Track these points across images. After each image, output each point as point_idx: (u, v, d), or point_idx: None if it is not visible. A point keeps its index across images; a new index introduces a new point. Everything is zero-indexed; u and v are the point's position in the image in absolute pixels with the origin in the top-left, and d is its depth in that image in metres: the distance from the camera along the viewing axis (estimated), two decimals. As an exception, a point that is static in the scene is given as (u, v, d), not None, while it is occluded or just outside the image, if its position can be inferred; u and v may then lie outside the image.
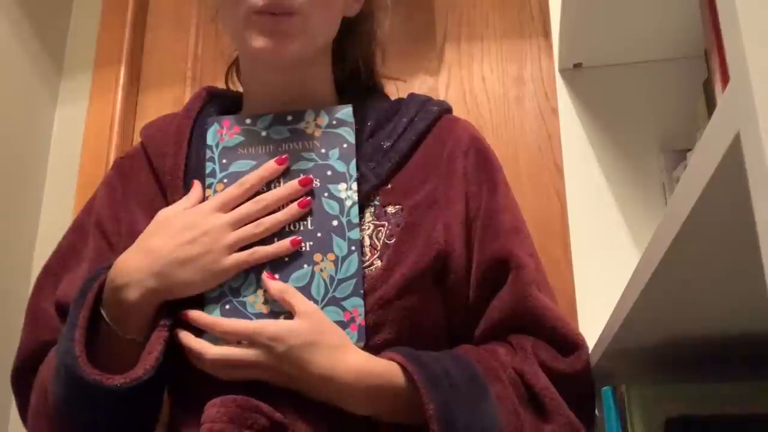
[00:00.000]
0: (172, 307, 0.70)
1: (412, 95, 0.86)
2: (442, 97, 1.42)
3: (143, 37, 1.66)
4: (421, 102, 0.84)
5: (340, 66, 0.87)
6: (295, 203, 0.72)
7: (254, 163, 0.75)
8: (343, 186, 0.73)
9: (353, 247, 0.71)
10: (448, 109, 0.86)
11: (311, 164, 0.75)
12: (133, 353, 0.68)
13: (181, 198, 0.75)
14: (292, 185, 0.73)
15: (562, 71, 1.16)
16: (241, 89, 0.88)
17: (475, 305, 0.75)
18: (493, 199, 0.78)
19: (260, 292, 0.70)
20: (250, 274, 0.71)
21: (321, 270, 0.70)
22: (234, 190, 0.72)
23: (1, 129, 1.43)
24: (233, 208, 0.72)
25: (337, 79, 0.86)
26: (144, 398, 0.68)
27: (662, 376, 0.75)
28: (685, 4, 0.93)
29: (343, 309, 0.69)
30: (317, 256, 0.71)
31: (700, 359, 0.66)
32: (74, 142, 1.57)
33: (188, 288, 0.69)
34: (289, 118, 0.77)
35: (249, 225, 0.71)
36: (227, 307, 0.70)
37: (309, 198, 0.73)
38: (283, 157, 0.74)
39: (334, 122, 0.76)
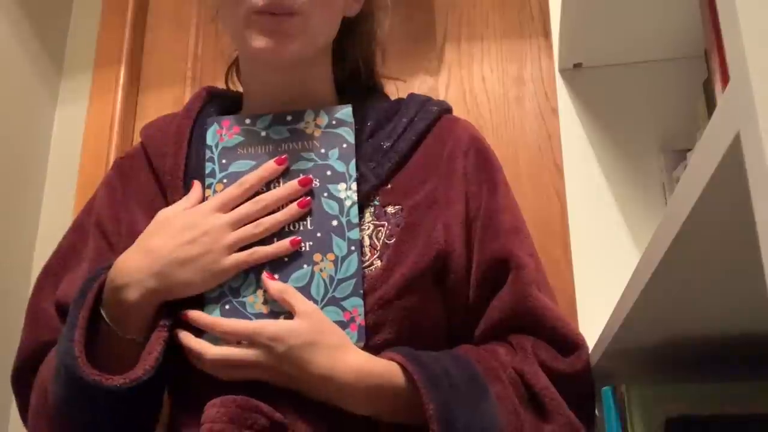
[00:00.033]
0: (172, 307, 0.70)
1: (412, 95, 0.86)
2: (442, 97, 1.43)
3: (143, 37, 1.66)
4: (421, 102, 0.84)
5: (340, 66, 0.87)
6: (295, 203, 0.72)
7: (254, 163, 0.75)
8: (342, 186, 0.73)
9: (353, 247, 0.71)
10: (448, 109, 0.86)
11: (311, 164, 0.75)
12: (132, 353, 0.68)
13: (181, 198, 0.75)
14: (291, 185, 0.73)
15: (562, 71, 1.16)
16: (241, 89, 0.88)
17: (475, 305, 0.75)
18: (493, 199, 0.78)
19: (260, 292, 0.70)
20: (250, 274, 0.71)
21: (321, 270, 0.70)
22: (233, 190, 0.72)
23: (1, 129, 1.43)
24: (233, 209, 0.72)
25: (337, 79, 0.86)
26: (144, 398, 0.68)
27: (662, 376, 0.75)
28: (685, 4, 0.93)
29: (343, 309, 0.69)
30: (317, 256, 0.71)
31: (700, 359, 0.66)
32: (74, 142, 1.57)
33: (188, 288, 0.69)
34: (289, 118, 0.77)
35: (248, 225, 0.71)
36: (227, 307, 0.70)
37: (309, 198, 0.73)
38: (283, 157, 0.74)
39: (334, 122, 0.76)
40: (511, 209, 0.79)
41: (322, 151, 0.75)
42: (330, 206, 0.73)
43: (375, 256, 0.72)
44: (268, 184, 0.74)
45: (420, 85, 1.47)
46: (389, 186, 0.77)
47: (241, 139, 0.77)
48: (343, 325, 0.69)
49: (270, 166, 0.74)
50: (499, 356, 0.71)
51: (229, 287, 0.70)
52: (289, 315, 0.68)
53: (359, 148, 0.77)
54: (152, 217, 0.73)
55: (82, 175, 1.53)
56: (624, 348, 0.64)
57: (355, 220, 0.72)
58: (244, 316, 0.69)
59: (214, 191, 0.75)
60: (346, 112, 0.77)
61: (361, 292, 0.70)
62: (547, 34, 1.44)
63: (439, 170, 0.78)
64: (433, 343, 0.72)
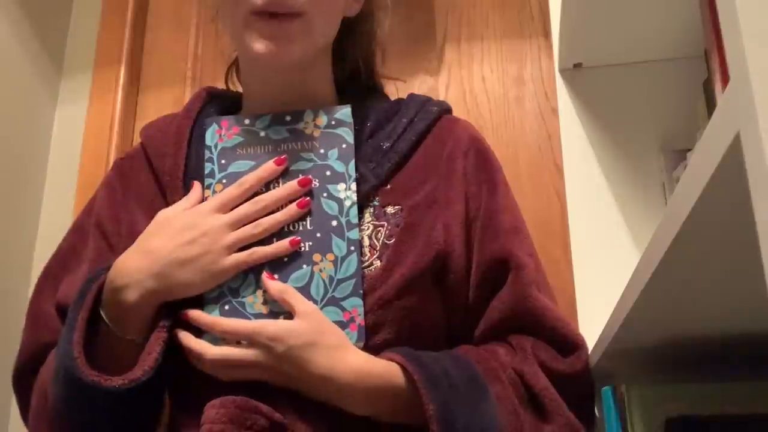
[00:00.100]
0: (172, 308, 0.70)
1: (412, 95, 0.86)
2: (442, 97, 1.43)
3: (143, 37, 1.66)
4: (421, 102, 0.84)
5: (340, 66, 0.87)
6: (294, 204, 0.72)
7: (253, 163, 0.75)
8: (342, 186, 0.73)
9: (352, 248, 0.71)
10: (448, 110, 0.86)
11: (310, 164, 0.75)
12: (132, 354, 0.68)
13: (180, 198, 0.75)
14: (291, 186, 0.73)
15: (562, 71, 1.16)
16: (241, 89, 0.88)
17: (474, 305, 0.75)
18: (493, 200, 0.78)
19: (259, 292, 0.70)
20: (249, 274, 0.71)
21: (320, 270, 0.70)
22: (233, 190, 0.72)
23: (1, 129, 1.43)
24: (232, 209, 0.72)
25: (337, 79, 0.86)
26: (143, 399, 0.68)
27: (662, 376, 0.75)
28: (685, 4, 0.93)
29: (343, 309, 0.69)
30: (316, 257, 0.71)
31: (700, 359, 0.66)
32: (74, 142, 1.57)
33: (188, 289, 0.69)
34: (288, 118, 0.77)
35: (248, 225, 0.71)
36: (227, 307, 0.70)
37: (308, 198, 0.72)
38: (282, 157, 0.74)
39: (333, 122, 0.76)
40: (510, 209, 0.79)
41: (322, 151, 0.75)
42: (329, 206, 0.73)
43: (374, 257, 0.72)
44: (267, 185, 0.74)
45: (420, 85, 1.47)
46: (389, 186, 0.77)
47: (241, 139, 0.77)
48: (342, 325, 0.69)
49: (269, 167, 0.73)
50: (498, 356, 0.71)
51: (229, 287, 0.70)
52: (289, 315, 0.68)
53: (359, 149, 0.77)
54: (152, 217, 0.73)
55: (82, 175, 1.53)
56: (624, 348, 0.64)
57: (355, 221, 0.72)
58: (244, 317, 0.69)
59: (214, 191, 0.75)
60: (345, 112, 0.77)
61: (361, 292, 0.70)
62: (547, 34, 1.44)
63: (439, 170, 0.78)
64: (432, 344, 0.72)
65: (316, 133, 0.76)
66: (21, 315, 0.80)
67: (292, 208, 0.72)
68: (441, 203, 0.76)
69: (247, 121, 0.78)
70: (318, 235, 0.71)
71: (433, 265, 0.73)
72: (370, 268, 0.71)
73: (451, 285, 0.74)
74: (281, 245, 0.70)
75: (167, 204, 0.76)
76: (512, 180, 0.86)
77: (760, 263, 0.26)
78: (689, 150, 1.00)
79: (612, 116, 1.11)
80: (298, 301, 0.68)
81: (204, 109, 0.84)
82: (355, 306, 0.69)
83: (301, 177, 0.73)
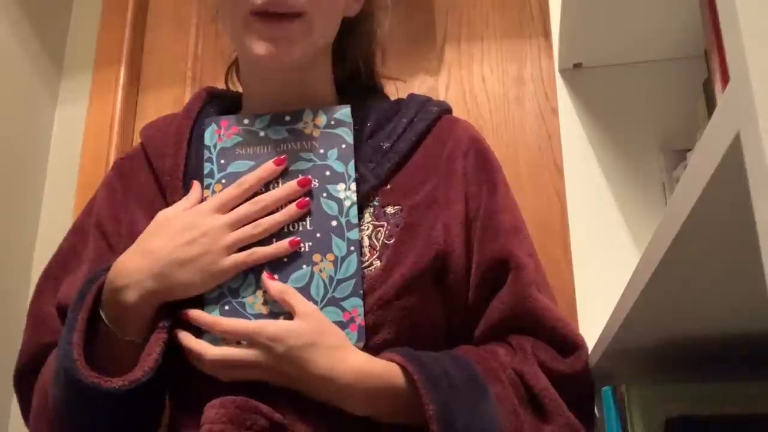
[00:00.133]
0: (172, 308, 0.70)
1: (412, 95, 0.86)
2: (442, 98, 1.43)
3: (143, 37, 1.66)
4: (421, 102, 0.84)
5: (340, 66, 0.87)
6: (294, 204, 0.72)
7: (252, 163, 0.75)
8: (341, 186, 0.73)
9: (352, 248, 0.71)
10: (448, 110, 0.86)
11: (310, 164, 0.74)
12: (132, 354, 0.68)
13: (180, 198, 0.75)
14: (290, 186, 0.72)
15: (562, 71, 1.16)
16: (241, 89, 0.88)
17: (474, 305, 0.75)
18: (493, 200, 0.78)
19: (260, 292, 0.70)
20: (249, 274, 0.71)
21: (320, 270, 0.70)
22: (232, 190, 0.72)
23: (1, 129, 1.43)
24: (232, 209, 0.72)
25: (337, 79, 0.86)
26: (143, 400, 0.68)
27: (662, 376, 0.75)
28: (685, 4, 0.93)
29: (343, 309, 0.69)
30: (316, 257, 0.71)
31: (700, 359, 0.66)
32: (74, 142, 1.57)
33: (187, 289, 0.69)
34: (287, 118, 0.77)
35: (247, 226, 0.71)
36: (227, 308, 0.70)
37: (307, 199, 0.72)
38: (282, 157, 0.74)
39: (333, 122, 0.76)
40: (510, 209, 0.79)
41: (321, 151, 0.75)
42: (329, 207, 0.73)
43: (374, 257, 0.72)
44: (267, 185, 0.74)
45: (420, 85, 1.47)
46: (389, 186, 0.76)
47: (240, 139, 0.77)
48: (342, 325, 0.69)
49: (269, 167, 0.73)
50: (498, 357, 0.71)
51: (229, 288, 0.70)
52: (289, 316, 0.68)
53: (359, 149, 0.77)
54: (152, 217, 0.73)
55: (82, 175, 1.53)
56: (624, 348, 0.64)
57: (355, 221, 0.72)
58: (244, 317, 0.69)
59: (213, 191, 0.74)
60: (344, 112, 0.77)
61: (361, 292, 0.70)
62: (547, 34, 1.44)
63: (439, 170, 0.78)
64: (432, 344, 0.72)
65: (316, 133, 0.76)
66: (21, 315, 0.80)
67: (292, 209, 0.72)
68: (441, 203, 0.76)
69: (246, 121, 0.77)
70: (318, 235, 0.71)
71: (433, 265, 0.73)
72: (370, 268, 0.71)
73: (450, 285, 0.74)
74: (281, 246, 0.70)
75: (167, 204, 0.76)
76: (512, 180, 0.86)
77: (760, 263, 0.26)
78: (689, 150, 0.99)
79: (612, 116, 1.11)
80: (298, 302, 0.68)
81: (204, 109, 0.84)
82: (355, 306, 0.69)
83: (300, 177, 0.73)
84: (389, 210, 0.75)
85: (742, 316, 0.54)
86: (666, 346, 0.63)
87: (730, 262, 0.42)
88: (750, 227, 0.28)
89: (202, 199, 0.74)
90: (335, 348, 0.66)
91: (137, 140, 0.92)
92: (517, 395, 0.68)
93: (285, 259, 0.71)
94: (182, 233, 0.69)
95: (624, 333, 0.59)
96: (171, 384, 0.73)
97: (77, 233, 0.83)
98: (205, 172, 0.76)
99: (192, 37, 1.64)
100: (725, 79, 0.58)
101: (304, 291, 0.70)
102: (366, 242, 0.73)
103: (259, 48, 0.72)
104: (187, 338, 0.68)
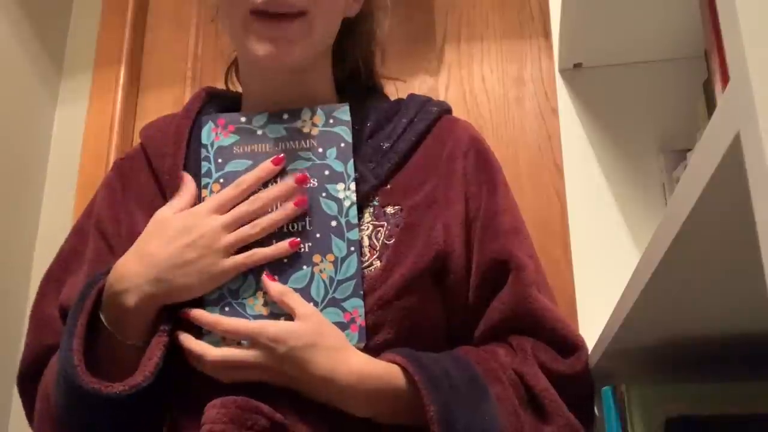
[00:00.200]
0: (172, 311, 0.69)
1: (411, 96, 0.85)
2: (442, 98, 1.43)
3: (143, 37, 1.66)
4: (421, 102, 0.84)
5: (340, 66, 0.87)
6: (291, 202, 0.71)
7: (250, 162, 0.74)
8: (341, 186, 0.73)
9: (352, 248, 0.71)
10: (448, 110, 0.86)
11: (308, 164, 0.74)
12: (133, 357, 0.67)
13: (179, 198, 0.75)
14: (286, 183, 0.72)
15: (562, 71, 1.16)
16: (240, 89, 0.88)
17: (474, 306, 0.75)
18: (493, 200, 0.78)
19: (260, 293, 0.70)
20: (249, 276, 0.70)
21: (320, 271, 0.70)
22: (230, 191, 0.72)
23: (1, 129, 1.43)
24: (230, 210, 0.71)
25: (337, 79, 0.86)
26: (145, 404, 0.68)
27: (662, 376, 0.75)
28: (685, 4, 0.93)
29: (343, 310, 0.69)
30: (316, 257, 0.71)
31: (700, 359, 0.66)
32: (74, 142, 1.57)
33: (187, 292, 0.69)
34: (285, 116, 0.77)
35: (245, 226, 0.70)
36: (227, 309, 0.70)
37: (305, 197, 0.72)
38: (280, 156, 0.74)
39: (331, 121, 0.76)
40: (510, 210, 0.79)
41: (320, 150, 0.75)
42: (329, 206, 0.72)
43: (374, 257, 0.72)
44: (265, 184, 0.73)
45: (420, 85, 1.47)
46: (389, 186, 0.76)
47: (237, 137, 0.76)
48: (343, 326, 0.68)
49: (267, 166, 0.73)
50: (499, 357, 0.71)
51: (229, 289, 0.70)
52: (289, 317, 0.68)
53: (359, 149, 0.76)
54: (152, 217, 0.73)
55: (82, 175, 1.53)
56: (624, 348, 0.64)
57: (355, 221, 0.72)
58: (244, 318, 0.69)
59: (211, 191, 0.74)
60: (343, 110, 0.77)
61: (362, 293, 0.69)
62: (547, 34, 1.44)
63: (439, 171, 0.78)
64: (432, 344, 0.72)
65: (314, 132, 0.76)
66: (21, 315, 0.80)
67: (289, 207, 0.71)
68: (441, 203, 0.76)
69: (243, 119, 0.77)
70: (318, 235, 0.71)
71: (433, 266, 0.73)
72: (370, 268, 0.71)
73: (450, 285, 0.74)
74: (280, 247, 0.70)
75: (167, 204, 0.76)
76: (512, 180, 0.86)
77: (760, 263, 0.26)
78: (689, 150, 0.99)
79: (612, 116, 1.11)
80: (298, 304, 0.68)
81: (203, 109, 0.84)
82: (356, 307, 0.69)
83: (297, 174, 0.72)
84: (389, 210, 0.75)
85: (742, 316, 0.54)
86: (666, 346, 0.63)
87: (730, 262, 0.42)
88: (750, 227, 0.28)
89: (198, 196, 0.74)
90: (336, 349, 0.66)
91: (137, 140, 0.92)
92: (517, 396, 0.68)
93: (285, 260, 0.71)
94: (180, 236, 0.69)
95: (624, 333, 0.59)
96: (171, 385, 0.73)
97: (78, 235, 0.83)
98: (203, 171, 0.75)
99: (192, 37, 1.64)
100: (725, 79, 0.58)
101: (305, 292, 0.69)
102: (366, 242, 0.73)
103: (259, 48, 0.72)
104: (187, 340, 0.68)
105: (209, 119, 0.78)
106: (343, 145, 0.75)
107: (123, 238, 0.77)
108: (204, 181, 0.75)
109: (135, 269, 0.68)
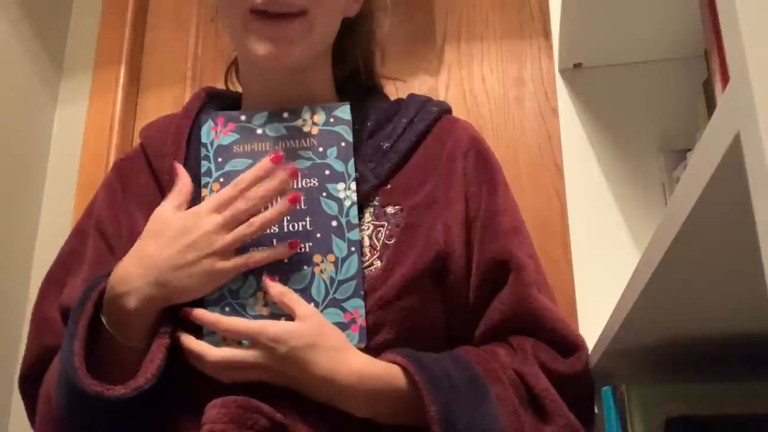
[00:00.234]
0: (173, 313, 0.69)
1: (412, 96, 0.85)
2: (442, 98, 1.43)
3: (143, 37, 1.66)
4: (421, 102, 0.84)
5: (340, 66, 0.87)
6: (285, 198, 0.70)
7: (250, 161, 0.74)
8: (341, 186, 0.73)
9: (353, 248, 0.71)
10: (448, 110, 0.86)
11: (309, 163, 0.74)
12: (134, 359, 0.67)
13: (180, 198, 0.75)
14: (277, 176, 0.70)
15: (562, 71, 1.16)
16: (240, 89, 0.88)
17: (474, 306, 0.75)
18: (493, 200, 0.78)
19: (260, 294, 0.70)
20: (250, 276, 0.70)
21: (321, 271, 0.70)
22: (229, 190, 0.71)
23: (1, 129, 1.43)
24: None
25: (337, 79, 0.86)
26: (147, 406, 0.68)
27: (662, 376, 0.75)
28: (685, 4, 0.93)
29: (344, 310, 0.69)
30: (317, 257, 0.71)
31: (700, 359, 0.66)
32: (74, 142, 1.57)
33: (187, 293, 0.68)
34: (285, 115, 0.76)
35: (241, 225, 0.69)
36: (227, 309, 0.69)
37: (299, 193, 0.71)
38: (280, 154, 0.73)
39: (332, 120, 0.76)
40: (510, 210, 0.79)
41: (320, 149, 0.75)
42: (329, 206, 0.72)
43: (375, 257, 0.72)
44: (264, 184, 0.73)
45: (420, 85, 1.47)
46: (389, 186, 0.76)
47: (237, 136, 0.76)
48: (343, 326, 0.68)
49: (265, 165, 0.72)
50: (499, 357, 0.71)
51: (229, 289, 0.70)
52: (290, 317, 0.68)
53: (359, 149, 0.76)
54: (152, 218, 0.73)
55: (82, 175, 1.53)
56: (624, 348, 0.64)
57: (355, 221, 0.72)
58: (244, 318, 0.69)
59: (211, 190, 0.74)
60: (343, 109, 0.76)
61: (362, 293, 0.69)
62: (547, 34, 1.44)
63: (439, 171, 0.78)
64: (432, 344, 0.72)
65: (315, 131, 0.75)
66: (21, 315, 0.80)
67: (283, 203, 0.70)
68: (441, 203, 0.76)
69: (243, 118, 0.77)
70: (318, 235, 0.71)
71: (433, 266, 0.73)
72: (371, 268, 0.71)
73: (451, 285, 0.74)
74: (280, 247, 0.70)
75: (167, 205, 0.76)
76: (512, 180, 0.86)
77: (760, 263, 0.26)
78: (689, 150, 1.00)
79: (612, 116, 1.11)
80: (298, 304, 0.68)
81: (203, 109, 0.84)
82: (357, 307, 0.69)
83: (288, 167, 0.71)
84: (389, 210, 0.75)
85: (742, 316, 0.54)
86: (666, 346, 0.63)
87: (730, 262, 0.42)
88: (750, 227, 0.28)
89: (196, 193, 0.74)
90: (336, 349, 0.66)
91: (137, 140, 0.92)
92: (517, 396, 0.68)
93: (286, 260, 0.70)
94: (180, 236, 0.69)
95: (624, 333, 0.59)
96: (172, 386, 0.73)
97: (78, 236, 0.83)
98: (203, 170, 0.75)
99: (192, 37, 1.64)
100: (725, 79, 0.58)
101: (305, 292, 0.69)
102: (366, 242, 0.73)
103: (259, 48, 0.72)
104: (188, 340, 0.68)
105: (209, 117, 0.77)
106: (343, 144, 0.75)
107: (123, 239, 0.77)
108: (204, 180, 0.75)
109: (135, 271, 0.68)
